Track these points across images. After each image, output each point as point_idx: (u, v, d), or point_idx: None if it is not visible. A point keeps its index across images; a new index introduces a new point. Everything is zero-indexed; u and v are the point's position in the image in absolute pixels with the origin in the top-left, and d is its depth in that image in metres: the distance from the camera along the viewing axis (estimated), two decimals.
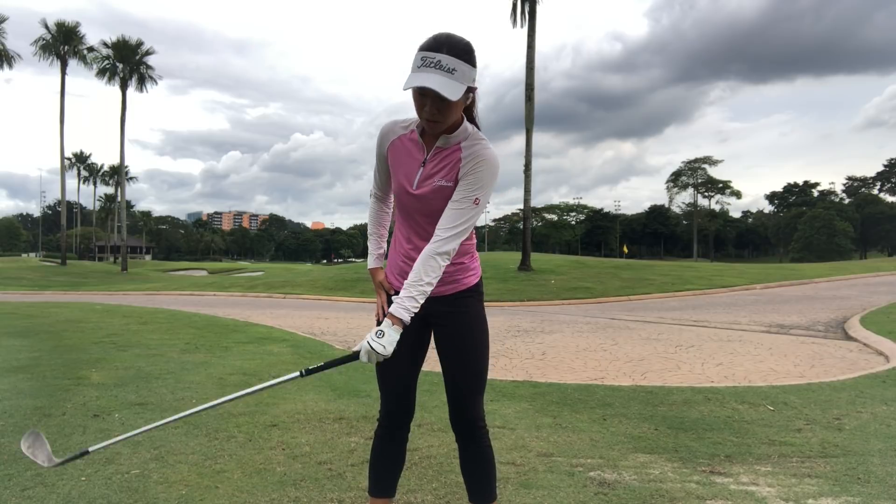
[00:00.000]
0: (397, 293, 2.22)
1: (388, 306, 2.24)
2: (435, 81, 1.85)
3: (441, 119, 1.95)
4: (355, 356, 1.98)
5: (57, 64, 44.62)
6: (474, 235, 2.23)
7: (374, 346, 1.93)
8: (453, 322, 2.20)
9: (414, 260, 2.13)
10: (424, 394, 4.65)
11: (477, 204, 2.02)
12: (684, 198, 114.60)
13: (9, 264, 47.69)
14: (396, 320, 1.96)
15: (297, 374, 2.12)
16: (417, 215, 2.13)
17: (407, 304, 1.97)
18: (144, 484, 3.06)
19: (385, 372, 2.26)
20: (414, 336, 2.22)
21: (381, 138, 2.20)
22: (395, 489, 2.35)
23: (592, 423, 4.24)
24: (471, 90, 1.98)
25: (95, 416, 4.27)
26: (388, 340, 1.95)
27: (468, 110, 2.08)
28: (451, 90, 1.86)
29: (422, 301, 2.00)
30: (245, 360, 6.61)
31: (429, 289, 2.00)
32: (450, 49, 1.88)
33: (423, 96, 1.92)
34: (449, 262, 2.04)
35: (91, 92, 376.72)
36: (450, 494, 2.96)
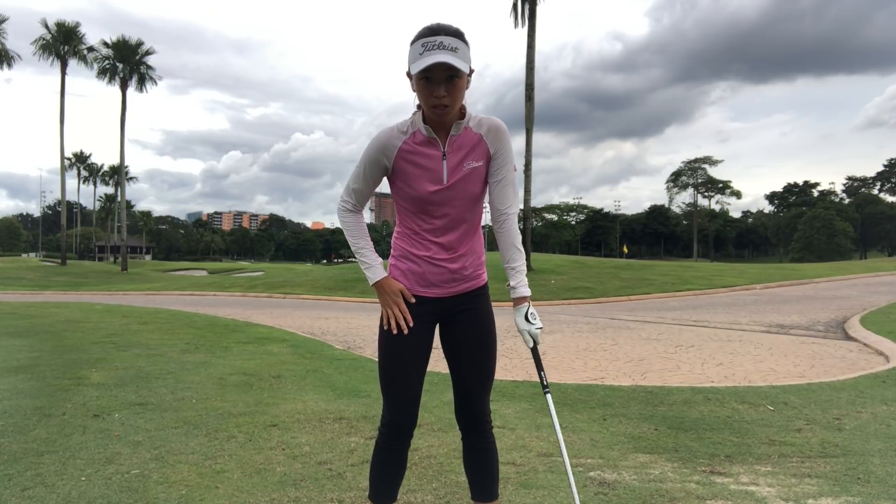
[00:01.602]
0: (420, 298, 2.16)
1: (409, 313, 2.14)
2: (445, 57, 1.90)
3: (451, 103, 1.97)
4: (534, 347, 2.16)
5: (57, 64, 44.58)
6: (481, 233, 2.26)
7: (539, 326, 2.15)
8: (467, 319, 2.20)
9: (446, 259, 2.12)
10: (424, 394, 4.61)
11: (515, 170, 2.18)
12: (684, 198, 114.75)
13: (9, 264, 47.68)
14: (525, 299, 2.15)
15: (545, 391, 2.20)
16: (450, 208, 2.11)
17: (524, 283, 2.16)
18: (144, 484, 3.06)
19: (395, 382, 2.16)
20: (423, 340, 2.19)
21: (384, 148, 2.09)
22: (396, 495, 2.29)
23: (592, 423, 4.24)
24: (471, 71, 2.03)
25: (95, 416, 4.27)
26: (534, 316, 2.15)
27: None
28: (459, 65, 1.92)
29: (525, 276, 2.18)
30: (245, 360, 6.62)
31: (524, 261, 2.17)
32: (447, 32, 1.95)
33: (431, 82, 1.94)
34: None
35: (91, 92, 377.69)
36: (450, 494, 2.96)
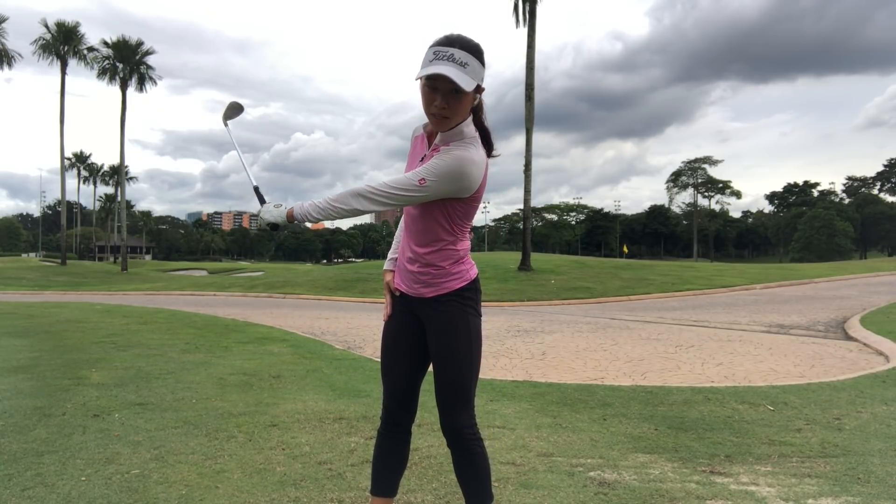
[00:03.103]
0: (402, 294, 2.25)
1: (393, 308, 2.28)
2: (448, 71, 1.88)
3: (449, 114, 1.96)
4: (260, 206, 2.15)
5: (57, 64, 44.61)
6: (465, 241, 2.17)
7: (262, 209, 2.11)
8: (432, 326, 2.16)
9: (409, 258, 2.16)
10: (424, 394, 4.62)
11: (421, 184, 1.95)
12: (684, 198, 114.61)
13: (9, 264, 47.67)
14: (290, 212, 2.04)
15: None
16: (410, 216, 2.16)
17: (307, 206, 2.01)
18: (144, 484, 3.06)
19: (388, 369, 2.27)
20: (408, 332, 2.23)
21: (413, 132, 2.28)
22: (396, 489, 2.35)
23: (592, 423, 4.24)
24: (480, 90, 2.01)
25: (95, 416, 4.27)
26: (273, 213, 2.06)
27: (477, 114, 2.08)
28: (463, 81, 1.89)
29: (319, 216, 2.00)
30: (245, 360, 6.62)
31: (332, 212, 1.98)
32: (462, 46, 1.93)
33: (434, 90, 1.93)
34: (363, 206, 1.98)
35: (91, 92, 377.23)
36: (450, 494, 2.96)
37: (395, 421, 2.28)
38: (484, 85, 2.02)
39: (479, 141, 2.07)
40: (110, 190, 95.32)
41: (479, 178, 2.03)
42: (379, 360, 2.38)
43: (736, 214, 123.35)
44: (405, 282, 2.22)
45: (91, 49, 44.88)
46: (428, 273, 2.13)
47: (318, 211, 1.98)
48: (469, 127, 2.05)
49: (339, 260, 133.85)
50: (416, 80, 1.96)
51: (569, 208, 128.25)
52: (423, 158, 2.11)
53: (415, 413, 2.33)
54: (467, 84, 1.90)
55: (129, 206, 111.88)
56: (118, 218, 70.97)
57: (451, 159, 1.97)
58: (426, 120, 2.14)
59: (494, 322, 11.30)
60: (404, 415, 2.28)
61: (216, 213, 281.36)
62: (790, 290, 18.94)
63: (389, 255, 2.37)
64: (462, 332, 2.13)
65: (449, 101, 1.93)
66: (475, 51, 1.94)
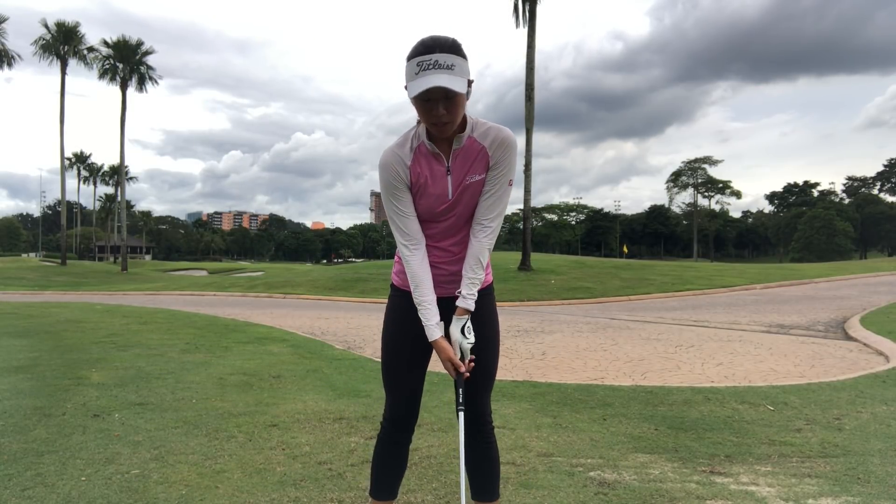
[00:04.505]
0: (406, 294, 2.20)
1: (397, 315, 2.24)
2: (441, 80, 1.83)
3: (451, 119, 1.93)
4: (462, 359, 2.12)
5: (57, 64, 44.60)
6: None
7: (471, 341, 2.09)
8: (471, 320, 2.18)
9: (445, 262, 2.15)
10: (425, 394, 4.62)
11: (511, 185, 2.12)
12: (684, 198, 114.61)
13: (9, 264, 47.65)
14: (468, 312, 2.11)
15: (460, 411, 2.14)
16: (452, 217, 2.12)
17: (474, 291, 2.11)
18: (144, 484, 3.06)
19: (396, 376, 2.23)
20: (423, 337, 2.19)
21: (395, 171, 2.04)
22: (397, 492, 2.34)
23: (592, 423, 4.24)
24: (470, 83, 1.97)
25: (95, 416, 4.27)
26: (469, 334, 2.11)
27: None
28: (456, 84, 1.86)
29: (477, 288, 2.14)
30: (245, 360, 6.62)
31: (483, 275, 2.14)
32: (441, 48, 1.87)
33: (429, 101, 1.88)
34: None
35: (91, 92, 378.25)
36: (450, 494, 2.96)
37: (402, 428, 2.26)
38: (473, 77, 1.98)
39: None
40: (110, 190, 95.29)
41: None
42: (380, 360, 2.35)
43: (736, 214, 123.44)
44: (436, 283, 2.16)
45: (91, 49, 44.86)
46: None
47: (476, 286, 2.11)
48: (468, 116, 2.04)
49: (340, 260, 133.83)
50: (411, 98, 1.91)
51: (569, 208, 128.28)
52: (449, 171, 2.06)
53: (418, 415, 2.32)
54: (460, 86, 1.86)
55: (129, 206, 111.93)
56: (118, 218, 71.02)
57: (511, 146, 2.06)
58: (393, 145, 2.07)
59: None
60: (411, 419, 2.27)
61: (216, 212, 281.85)
62: (790, 290, 18.94)
63: (432, 322, 2.09)
64: (496, 325, 2.28)
65: (448, 107, 1.89)
66: (454, 48, 1.89)
